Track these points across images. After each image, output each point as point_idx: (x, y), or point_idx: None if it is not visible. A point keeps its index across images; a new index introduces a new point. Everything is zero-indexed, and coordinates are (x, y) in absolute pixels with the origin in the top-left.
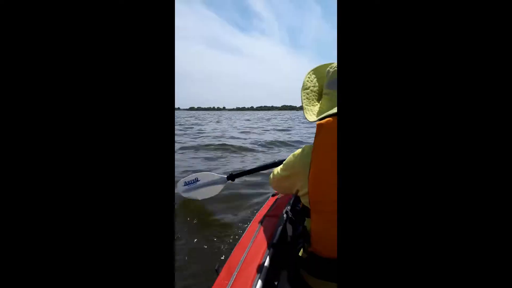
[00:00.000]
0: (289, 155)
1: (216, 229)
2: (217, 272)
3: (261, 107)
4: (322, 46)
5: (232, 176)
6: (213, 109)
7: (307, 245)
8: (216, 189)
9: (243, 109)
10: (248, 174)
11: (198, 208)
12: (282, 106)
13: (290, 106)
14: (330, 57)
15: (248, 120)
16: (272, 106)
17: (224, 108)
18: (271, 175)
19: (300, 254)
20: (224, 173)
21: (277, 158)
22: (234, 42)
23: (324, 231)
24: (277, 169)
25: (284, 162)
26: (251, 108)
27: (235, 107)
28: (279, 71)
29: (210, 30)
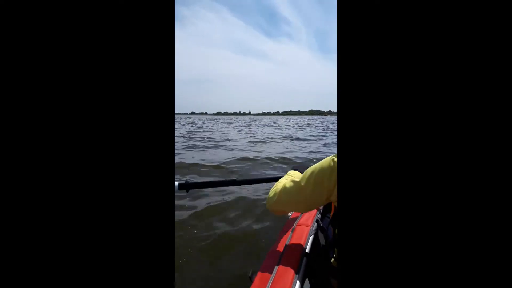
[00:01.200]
0: (320, 162)
1: (247, 236)
2: (250, 279)
3: (287, 112)
4: None
5: (186, 185)
6: (239, 113)
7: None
8: None
9: (269, 114)
10: (208, 186)
11: (227, 216)
12: (309, 110)
13: (318, 111)
14: None
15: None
16: (299, 111)
17: (250, 113)
18: (282, 189)
19: (331, 262)
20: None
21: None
22: (261, 47)
23: None
24: (289, 180)
25: (311, 169)
26: (277, 113)
27: (260, 112)
28: (306, 75)
29: (237, 36)
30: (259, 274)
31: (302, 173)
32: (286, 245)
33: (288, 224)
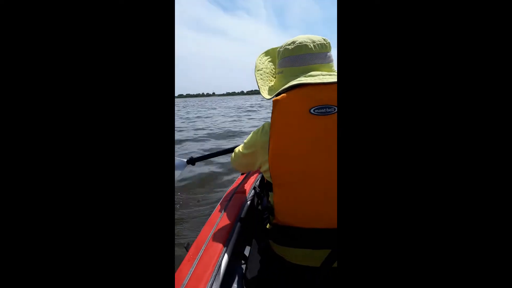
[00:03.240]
0: (250, 134)
1: (188, 210)
2: (186, 249)
3: (251, 91)
4: (310, 25)
5: (192, 160)
6: (203, 95)
7: (272, 217)
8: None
9: (233, 94)
10: (209, 157)
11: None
12: None
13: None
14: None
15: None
16: None
17: (214, 94)
18: (233, 155)
19: (267, 226)
20: (184, 157)
21: (237, 143)
22: (219, 23)
23: (284, 202)
24: (238, 148)
25: (245, 141)
26: (242, 93)
27: (225, 92)
28: None
29: (192, 12)
30: (195, 242)
31: None
32: (222, 213)
33: (227, 194)
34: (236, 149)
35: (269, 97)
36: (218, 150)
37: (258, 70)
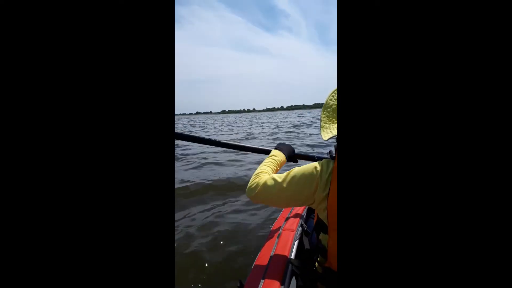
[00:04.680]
0: (303, 167)
1: (235, 244)
2: None
3: (291, 106)
4: None
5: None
6: (244, 111)
7: (323, 259)
8: None
9: (273, 109)
10: (198, 142)
11: (215, 223)
12: (314, 104)
13: (323, 104)
14: None
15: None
16: (303, 105)
17: (254, 110)
18: (268, 182)
19: (316, 266)
20: None
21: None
22: (261, 43)
23: None
24: (274, 178)
25: (293, 174)
26: (281, 108)
27: (265, 108)
28: (309, 69)
29: (237, 34)
30: (248, 282)
31: (285, 155)
32: (272, 252)
33: (274, 229)
34: (269, 181)
35: (326, 138)
36: (206, 138)
37: (326, 108)
